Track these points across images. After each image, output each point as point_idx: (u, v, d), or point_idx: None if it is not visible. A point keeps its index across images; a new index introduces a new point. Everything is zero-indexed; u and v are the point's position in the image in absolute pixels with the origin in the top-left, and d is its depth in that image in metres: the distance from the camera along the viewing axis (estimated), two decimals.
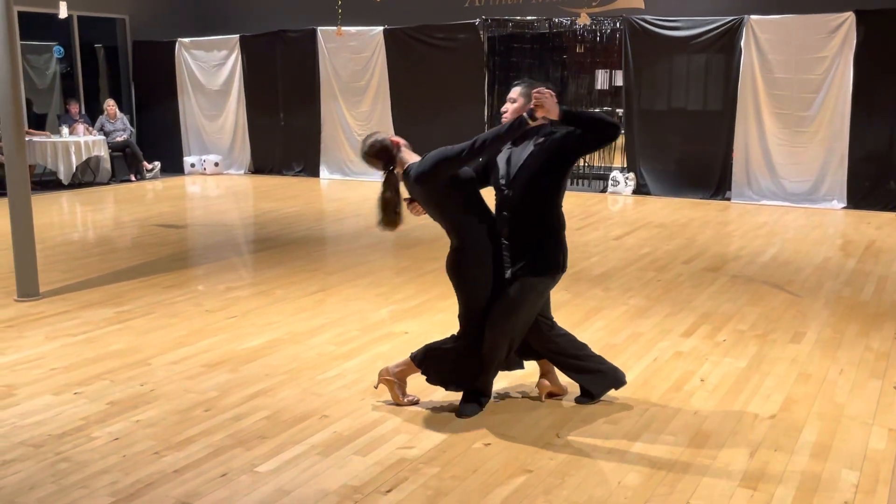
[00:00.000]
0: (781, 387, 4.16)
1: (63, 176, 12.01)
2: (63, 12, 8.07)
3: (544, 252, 3.67)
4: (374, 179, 12.59)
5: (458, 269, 3.69)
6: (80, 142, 12.18)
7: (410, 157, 3.70)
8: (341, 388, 4.13)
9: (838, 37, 9.57)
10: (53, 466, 3.32)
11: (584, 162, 11.94)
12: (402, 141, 3.74)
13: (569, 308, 5.60)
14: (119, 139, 12.97)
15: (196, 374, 4.34)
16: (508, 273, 3.67)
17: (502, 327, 3.66)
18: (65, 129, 12.36)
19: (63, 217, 10.06)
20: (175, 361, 4.53)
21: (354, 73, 12.63)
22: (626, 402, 3.96)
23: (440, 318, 5.35)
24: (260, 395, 4.06)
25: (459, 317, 3.78)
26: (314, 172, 13.22)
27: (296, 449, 3.47)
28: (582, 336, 4.95)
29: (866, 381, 4.23)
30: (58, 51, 13.67)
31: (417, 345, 4.80)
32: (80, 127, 12.54)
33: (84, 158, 12.31)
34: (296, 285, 6.22)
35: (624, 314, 5.46)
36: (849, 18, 9.50)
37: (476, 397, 3.84)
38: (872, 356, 4.61)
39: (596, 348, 4.71)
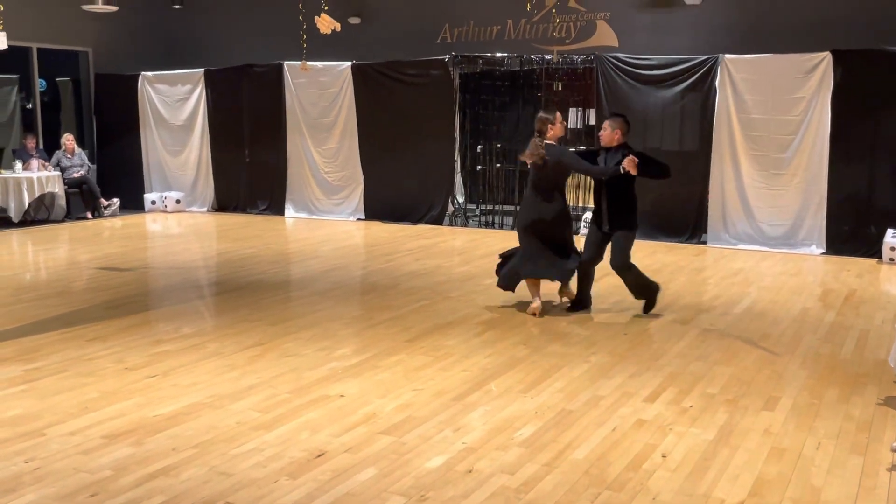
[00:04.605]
0: (752, 465, 3.70)
1: (13, 213, 11.50)
2: (2, 43, 7.62)
3: (632, 216, 6.32)
4: (339, 218, 12.17)
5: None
6: (34, 178, 11.69)
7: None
8: (255, 467, 3.64)
9: (815, 77, 9.29)
10: None
11: None
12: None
13: (525, 365, 5.14)
14: (76, 175, 12.49)
15: (93, 447, 3.83)
16: (606, 228, 6.31)
17: (626, 257, 6.28)
18: (18, 165, 11.88)
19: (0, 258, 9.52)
20: (73, 431, 4.01)
21: (322, 109, 12.25)
22: (579, 482, 3.49)
23: (383, 378, 4.88)
24: (160, 474, 3.55)
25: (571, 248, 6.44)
26: (279, 210, 12.77)
27: None
28: (537, 401, 4.53)
29: (846, 458, 3.78)
30: (41, 84, 13.26)
31: (352, 409, 4.35)
32: (35, 162, 12.06)
33: (37, 195, 11.81)
34: (231, 338, 5.73)
35: (585, 373, 5.01)
36: (826, 58, 9.22)
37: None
38: (853, 427, 4.17)
39: (551, 415, 4.33)
